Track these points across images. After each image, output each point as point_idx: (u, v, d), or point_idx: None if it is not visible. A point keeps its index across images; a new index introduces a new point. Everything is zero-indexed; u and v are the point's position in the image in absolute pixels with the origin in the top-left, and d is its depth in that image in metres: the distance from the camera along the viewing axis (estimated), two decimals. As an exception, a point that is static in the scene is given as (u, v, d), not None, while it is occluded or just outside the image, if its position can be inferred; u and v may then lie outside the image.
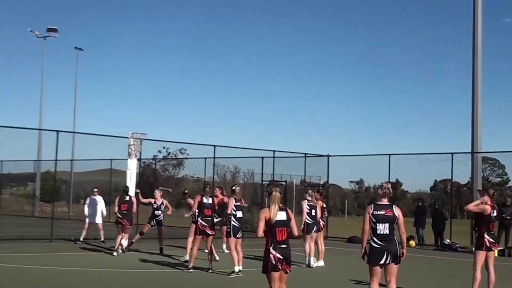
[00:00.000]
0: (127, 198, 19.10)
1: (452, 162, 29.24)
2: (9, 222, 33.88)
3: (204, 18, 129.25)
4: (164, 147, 51.61)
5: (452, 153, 29.54)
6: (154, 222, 19.89)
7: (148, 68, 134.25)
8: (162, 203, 19.88)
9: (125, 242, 19.37)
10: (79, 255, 19.79)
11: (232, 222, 15.65)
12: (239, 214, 16.01)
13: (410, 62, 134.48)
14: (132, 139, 20.98)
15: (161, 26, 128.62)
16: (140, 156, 21.73)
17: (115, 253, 18.86)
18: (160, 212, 19.81)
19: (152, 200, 19.94)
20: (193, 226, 17.69)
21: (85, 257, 19.24)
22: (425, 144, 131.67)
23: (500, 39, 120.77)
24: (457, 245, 26.82)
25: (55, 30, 51.77)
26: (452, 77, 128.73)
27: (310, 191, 18.48)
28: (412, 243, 28.65)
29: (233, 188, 16.33)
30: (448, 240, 27.01)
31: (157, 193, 19.95)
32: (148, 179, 30.12)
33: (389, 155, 30.82)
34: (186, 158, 43.85)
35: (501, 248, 24.89)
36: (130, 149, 20.94)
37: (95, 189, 23.68)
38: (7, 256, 18.26)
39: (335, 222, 38.51)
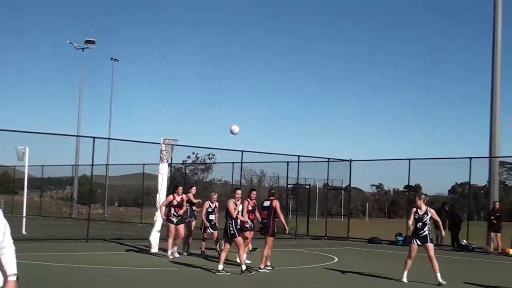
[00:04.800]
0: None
1: (470, 166, 29.05)
2: (49, 223, 34.42)
3: (229, 23, 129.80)
4: (193, 153, 51.92)
5: (471, 158, 29.27)
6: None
7: (178, 78, 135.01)
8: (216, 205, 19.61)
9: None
10: (114, 253, 20.06)
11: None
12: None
13: (430, 67, 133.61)
14: (164, 145, 21.15)
15: (187, 35, 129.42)
16: (171, 161, 21.87)
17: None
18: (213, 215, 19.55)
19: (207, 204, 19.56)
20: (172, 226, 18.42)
21: (120, 256, 19.49)
22: (444, 149, 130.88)
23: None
24: (473, 246, 26.76)
25: (92, 42, 52.44)
26: (472, 82, 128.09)
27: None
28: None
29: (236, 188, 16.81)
30: (464, 241, 26.91)
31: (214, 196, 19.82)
32: (179, 182, 30.32)
33: (409, 159, 30.68)
34: (215, 163, 44.08)
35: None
36: (162, 154, 21.08)
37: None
38: (47, 255, 18.55)
39: (356, 224, 38.46)
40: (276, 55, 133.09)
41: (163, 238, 20.97)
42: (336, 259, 20.51)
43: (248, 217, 16.75)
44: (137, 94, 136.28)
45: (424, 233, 14.72)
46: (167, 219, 18.81)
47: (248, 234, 17.08)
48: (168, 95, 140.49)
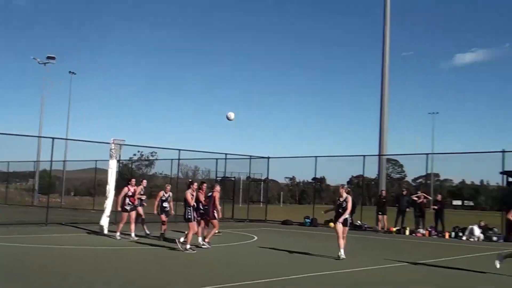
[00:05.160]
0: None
1: (364, 162, 29.80)
2: (14, 210, 33.63)
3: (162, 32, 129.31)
4: (138, 151, 51.99)
5: (364, 156, 30.23)
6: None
7: (124, 87, 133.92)
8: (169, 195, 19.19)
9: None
10: (70, 235, 19.69)
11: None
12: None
13: (326, 74, 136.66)
14: (113, 144, 20.94)
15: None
16: (120, 157, 21.66)
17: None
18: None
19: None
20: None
21: (77, 237, 19.14)
22: (343, 148, 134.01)
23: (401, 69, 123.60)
24: (365, 226, 27.47)
25: (53, 58, 52.90)
26: (363, 93, 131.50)
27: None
28: (332, 224, 29.23)
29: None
30: (359, 222, 27.57)
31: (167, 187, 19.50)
32: (126, 176, 30.23)
33: (316, 157, 31.27)
34: (156, 159, 43.90)
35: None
36: (111, 152, 20.85)
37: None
38: (13, 237, 18.16)
39: (273, 209, 38.91)
40: (201, 58, 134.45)
41: (112, 222, 20.85)
42: (256, 237, 20.79)
43: (203, 205, 16.31)
44: (92, 101, 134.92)
45: (345, 216, 14.62)
46: (122, 207, 18.54)
47: (215, 223, 16.63)
48: (117, 102, 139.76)
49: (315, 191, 40.03)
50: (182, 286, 10.42)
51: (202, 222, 16.61)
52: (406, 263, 14.32)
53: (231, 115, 18.02)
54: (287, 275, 11.66)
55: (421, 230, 25.63)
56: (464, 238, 23.98)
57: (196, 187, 15.94)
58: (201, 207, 16.08)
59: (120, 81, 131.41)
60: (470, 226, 24.46)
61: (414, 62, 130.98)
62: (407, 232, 25.57)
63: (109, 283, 10.24)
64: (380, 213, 26.91)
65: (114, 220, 21.63)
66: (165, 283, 10.51)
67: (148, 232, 19.45)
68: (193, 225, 15.58)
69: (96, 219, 21.92)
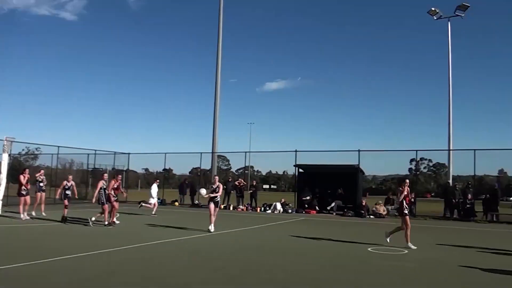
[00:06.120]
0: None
1: (201, 157, 30.52)
2: None
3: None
4: (26, 147, 50.00)
5: (201, 153, 30.87)
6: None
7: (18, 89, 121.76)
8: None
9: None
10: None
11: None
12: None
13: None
14: (6, 141, 19.88)
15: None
16: (11, 152, 20.51)
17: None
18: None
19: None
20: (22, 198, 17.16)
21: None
22: (188, 146, 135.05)
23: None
24: (201, 204, 28.33)
25: None
26: (201, 103, 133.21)
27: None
28: (177, 203, 29.99)
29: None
30: (197, 201, 28.37)
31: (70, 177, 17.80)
32: (16, 167, 28.65)
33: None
34: (40, 154, 41.51)
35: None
36: (4, 148, 19.79)
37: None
38: None
39: (132, 192, 38.57)
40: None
41: (5, 205, 19.74)
42: (118, 214, 20.68)
43: (114, 192, 15.87)
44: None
45: (217, 199, 14.43)
46: (19, 193, 17.45)
47: (116, 204, 15.98)
48: (10, 102, 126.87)
49: (164, 179, 40.53)
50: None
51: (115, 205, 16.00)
52: (231, 230, 15.34)
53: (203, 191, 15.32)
54: (136, 243, 11.95)
55: (241, 206, 27.21)
56: (269, 211, 26.06)
57: (106, 177, 15.90)
58: (113, 193, 15.78)
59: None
60: (274, 203, 26.39)
61: (238, 86, 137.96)
62: (231, 208, 26.67)
63: None
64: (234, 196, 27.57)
65: (6, 203, 20.42)
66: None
67: (34, 214, 18.48)
68: (105, 207, 15.48)
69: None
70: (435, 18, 32.76)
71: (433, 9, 32.59)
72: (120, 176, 16.63)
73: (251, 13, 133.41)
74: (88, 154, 32.33)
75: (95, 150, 32.67)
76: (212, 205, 14.30)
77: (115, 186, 16.02)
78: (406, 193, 11.67)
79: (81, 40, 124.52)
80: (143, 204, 22.64)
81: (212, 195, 14.38)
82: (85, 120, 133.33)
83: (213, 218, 14.24)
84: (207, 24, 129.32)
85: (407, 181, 11.98)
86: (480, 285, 7.63)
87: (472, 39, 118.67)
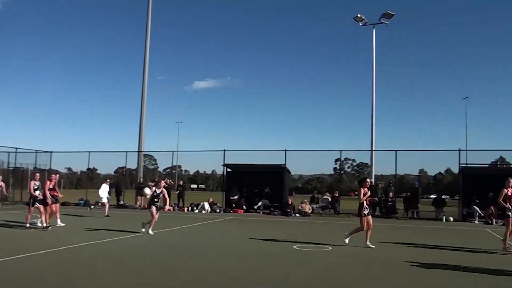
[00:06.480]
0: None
1: (126, 157, 30.13)
2: None
3: None
4: None
5: (127, 152, 30.41)
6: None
7: None
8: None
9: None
10: None
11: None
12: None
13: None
14: None
15: None
16: None
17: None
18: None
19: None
20: None
21: None
22: (113, 144, 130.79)
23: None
24: (127, 204, 27.63)
25: None
26: (127, 104, 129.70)
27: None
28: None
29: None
30: (122, 201, 27.62)
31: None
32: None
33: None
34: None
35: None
36: None
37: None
38: None
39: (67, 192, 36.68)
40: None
41: None
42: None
43: (50, 193, 14.81)
44: None
45: (158, 203, 13.99)
46: None
47: (54, 206, 14.92)
48: None
49: (88, 179, 38.82)
50: None
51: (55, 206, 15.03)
52: (159, 231, 15.21)
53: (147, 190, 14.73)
54: (64, 245, 11.63)
55: (167, 206, 26.66)
56: (197, 211, 25.74)
57: (38, 177, 15.07)
58: (50, 194, 14.79)
59: None
60: (202, 203, 26.32)
61: (167, 83, 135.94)
62: (158, 208, 26.41)
63: None
64: (139, 194, 27.33)
65: None
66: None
67: None
68: (41, 208, 14.57)
69: None
70: (360, 24, 34.05)
71: (359, 15, 33.83)
72: (55, 176, 15.40)
73: (181, 11, 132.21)
74: (9, 152, 30.54)
75: (16, 148, 31.15)
76: (154, 209, 13.92)
77: (51, 187, 14.98)
78: (364, 193, 11.36)
79: (4, 31, 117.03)
80: (96, 206, 21.95)
81: (156, 200, 14.06)
82: (5, 117, 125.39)
83: (153, 222, 13.96)
84: (135, 20, 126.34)
85: (369, 180, 11.81)
86: (403, 275, 7.85)
87: (396, 46, 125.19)
